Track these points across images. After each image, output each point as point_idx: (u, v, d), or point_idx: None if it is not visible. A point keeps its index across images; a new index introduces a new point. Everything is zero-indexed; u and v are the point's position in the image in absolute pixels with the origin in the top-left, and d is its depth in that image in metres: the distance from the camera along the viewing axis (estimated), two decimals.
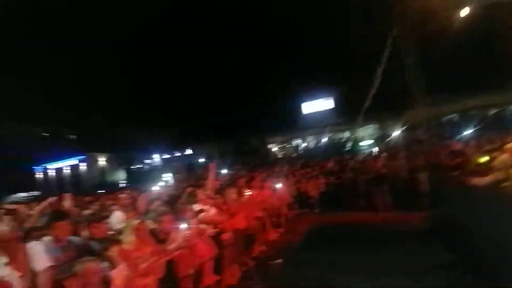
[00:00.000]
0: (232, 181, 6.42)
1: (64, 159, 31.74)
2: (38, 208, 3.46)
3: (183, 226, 3.67)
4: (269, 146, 21.89)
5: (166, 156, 28.54)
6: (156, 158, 27.57)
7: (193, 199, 4.66)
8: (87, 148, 30.87)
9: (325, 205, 9.69)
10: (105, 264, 2.69)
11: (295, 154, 22.30)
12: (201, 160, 22.96)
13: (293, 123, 22.29)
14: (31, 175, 32.58)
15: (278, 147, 24.08)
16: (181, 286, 3.77)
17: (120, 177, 29.46)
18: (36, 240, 2.58)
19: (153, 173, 22.92)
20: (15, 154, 29.19)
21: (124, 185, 24.88)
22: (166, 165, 24.57)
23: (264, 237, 6.59)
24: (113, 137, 30.34)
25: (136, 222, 3.17)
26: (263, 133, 20.90)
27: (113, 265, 2.78)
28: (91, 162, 31.12)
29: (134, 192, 5.24)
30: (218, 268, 4.46)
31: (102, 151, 31.69)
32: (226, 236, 4.77)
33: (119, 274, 2.58)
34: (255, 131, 21.40)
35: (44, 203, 3.56)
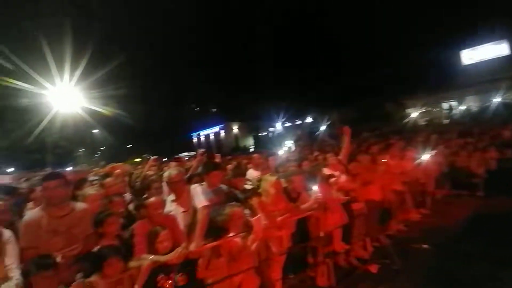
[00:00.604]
0: (364, 148, 5.72)
1: (210, 127, 39.19)
2: (197, 159, 4.17)
3: (314, 188, 3.53)
4: (409, 110, 17.83)
5: (289, 124, 29.69)
6: (280, 125, 29.24)
7: (322, 163, 4.41)
8: (224, 118, 36.86)
9: (495, 187, 7.14)
10: (247, 211, 2.93)
11: (447, 120, 17.35)
12: (325, 127, 22.22)
13: (446, 79, 16.77)
14: (189, 139, 42.58)
15: (423, 111, 19.40)
16: (310, 245, 3.77)
17: (249, 142, 33.43)
18: (195, 184, 3.08)
19: (278, 139, 24.49)
20: (181, 125, 39.03)
21: (252, 149, 27.96)
22: (289, 132, 25.56)
23: (403, 215, 5.77)
24: (244, 108, 34.63)
25: (272, 178, 3.25)
26: (400, 95, 17.19)
27: (253, 214, 3.01)
28: (228, 130, 36.87)
29: (264, 154, 5.58)
30: (347, 237, 4.23)
31: (235, 120, 36.93)
32: (358, 205, 4.44)
33: (258, 222, 2.74)
34: (388, 94, 18.00)
35: (201, 156, 4.26)
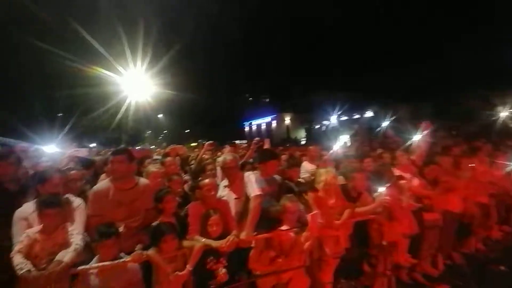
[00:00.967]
0: (445, 150, 4.90)
1: (262, 117, 39.48)
2: (251, 147, 4.10)
3: (380, 189, 3.11)
4: (496, 107, 14.63)
5: (346, 117, 27.97)
6: (335, 119, 27.74)
7: (389, 162, 3.90)
8: (277, 109, 36.64)
9: None
10: (301, 206, 2.72)
11: None
12: (387, 123, 20.17)
13: None
14: (242, 128, 43.73)
15: None
16: (370, 253, 3.39)
17: (301, 135, 32.64)
18: (249, 171, 2.98)
19: (332, 133, 23.30)
20: (235, 113, 40.45)
21: (303, 142, 27.22)
22: (345, 126, 24.10)
23: (484, 231, 4.88)
24: (297, 99, 33.84)
25: (330, 172, 2.96)
26: (485, 89, 14.19)
27: (308, 209, 2.79)
28: (280, 120, 36.60)
29: (320, 147, 5.21)
30: (415, 250, 3.71)
31: (288, 111, 36.40)
32: (431, 215, 3.83)
33: (315, 219, 2.51)
34: (470, 87, 15.02)
35: (255, 145, 4.18)
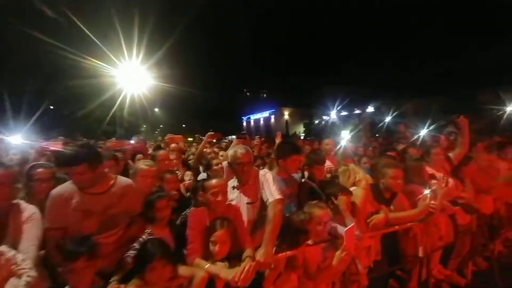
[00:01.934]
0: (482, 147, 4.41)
1: (260, 112, 38.78)
2: (256, 145, 3.49)
3: (424, 190, 2.52)
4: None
5: (346, 113, 27.40)
6: (335, 114, 27.14)
7: (423, 158, 3.31)
8: (276, 103, 35.97)
9: None
10: (331, 213, 2.11)
11: None
12: (390, 118, 19.62)
13: None
14: (240, 123, 43.04)
15: None
16: (403, 264, 2.82)
17: (300, 130, 32.06)
18: (264, 169, 2.36)
19: (332, 128, 22.76)
20: (233, 108, 39.71)
21: (302, 137, 26.66)
22: (346, 122, 23.56)
23: (508, 233, 4.46)
24: (296, 94, 33.21)
25: (360, 170, 2.36)
26: (497, 85, 13.62)
27: (339, 217, 2.19)
28: (278, 115, 35.96)
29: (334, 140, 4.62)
30: (445, 259, 3.30)
31: (287, 105, 35.76)
32: (465, 219, 3.33)
33: (352, 233, 1.91)
34: (480, 83, 14.39)
35: (258, 143, 3.59)
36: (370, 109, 23.76)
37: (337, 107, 26.75)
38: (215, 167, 2.82)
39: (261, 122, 39.54)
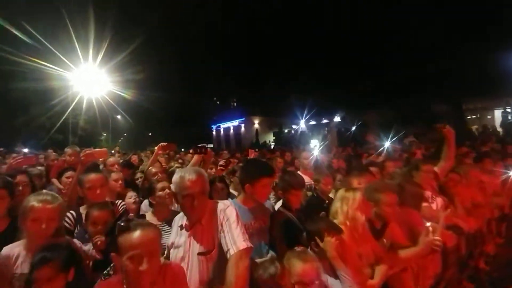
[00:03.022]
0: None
1: (230, 120, 38.11)
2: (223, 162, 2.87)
3: (418, 215, 2.11)
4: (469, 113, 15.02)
5: (314, 122, 27.88)
6: (304, 123, 27.48)
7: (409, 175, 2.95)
8: (246, 112, 35.60)
9: None
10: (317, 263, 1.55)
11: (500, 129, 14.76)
12: (355, 127, 20.19)
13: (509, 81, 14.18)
14: (209, 131, 41.85)
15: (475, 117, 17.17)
16: None
17: (269, 138, 31.95)
18: (224, 200, 1.74)
19: (302, 138, 22.87)
20: (201, 115, 38.57)
21: (272, 146, 26.52)
22: (315, 131, 23.87)
23: (484, 247, 4.37)
24: (266, 102, 33.19)
25: (356, 194, 1.87)
26: (452, 96, 14.62)
27: (324, 262, 1.65)
28: (248, 124, 35.61)
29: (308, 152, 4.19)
30: None
31: (256, 114, 35.57)
32: (451, 240, 3.01)
33: None
34: (436, 93, 15.39)
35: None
36: (337, 118, 24.39)
37: (305, 117, 27.13)
38: (160, 193, 2.13)
39: (231, 131, 38.87)
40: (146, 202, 2.55)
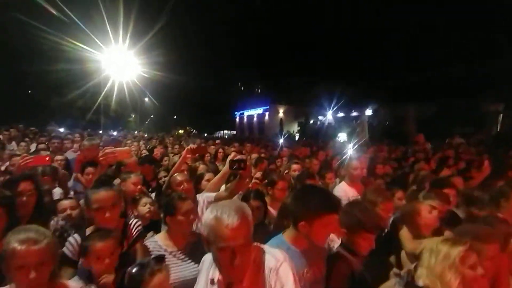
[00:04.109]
0: None
1: (254, 108, 37.46)
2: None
3: None
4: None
5: (343, 114, 26.47)
6: (331, 115, 26.17)
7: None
8: (270, 100, 34.65)
9: None
10: None
11: None
12: (393, 122, 18.68)
13: None
14: (233, 118, 41.61)
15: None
16: None
17: (294, 129, 31.00)
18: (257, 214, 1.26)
19: (328, 130, 21.84)
20: (225, 102, 38.38)
21: (296, 137, 25.70)
22: (344, 124, 22.64)
23: None
24: (292, 91, 31.97)
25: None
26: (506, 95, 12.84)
27: None
28: (273, 113, 34.77)
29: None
30: None
31: (282, 103, 34.53)
32: None
33: None
34: (487, 93, 13.54)
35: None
36: (369, 111, 22.86)
37: (333, 108, 25.80)
38: (181, 218, 1.68)
39: (255, 118, 38.27)
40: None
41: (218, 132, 38.26)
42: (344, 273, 1.41)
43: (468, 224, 1.94)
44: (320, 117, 29.04)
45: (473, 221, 2.08)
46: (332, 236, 2.01)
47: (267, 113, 35.73)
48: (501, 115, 13.31)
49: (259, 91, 40.82)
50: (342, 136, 17.96)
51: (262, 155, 5.16)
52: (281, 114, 34.51)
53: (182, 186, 2.27)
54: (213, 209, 1.11)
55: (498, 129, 13.16)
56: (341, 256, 1.50)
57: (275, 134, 27.28)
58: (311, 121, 29.77)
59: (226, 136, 30.57)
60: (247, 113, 39.95)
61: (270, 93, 35.97)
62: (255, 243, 1.21)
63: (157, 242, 1.76)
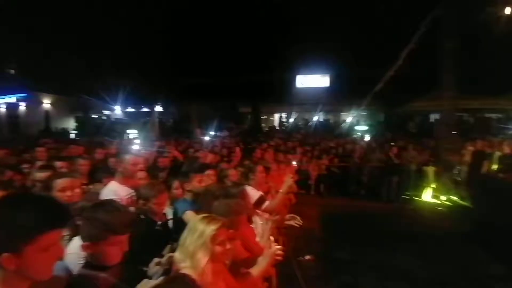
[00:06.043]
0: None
1: (3, 95, 26.07)
2: None
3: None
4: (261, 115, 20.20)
5: (132, 109, 25.18)
6: (119, 110, 24.03)
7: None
8: (29, 86, 25.48)
9: (326, 188, 9.40)
10: None
11: (282, 128, 21.26)
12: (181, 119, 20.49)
13: (284, 95, 20.44)
14: None
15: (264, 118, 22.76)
16: None
17: (69, 125, 25.44)
18: None
19: (116, 126, 20.06)
20: None
21: (74, 135, 21.56)
22: (131, 120, 21.66)
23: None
24: (62, 76, 25.38)
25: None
26: (253, 101, 18.90)
27: None
28: (34, 103, 26.17)
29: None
30: None
31: (46, 91, 26.60)
32: None
33: None
34: (245, 97, 19.16)
35: None
36: (158, 108, 23.53)
37: (121, 102, 23.83)
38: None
39: (2, 109, 26.82)
40: None
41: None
42: None
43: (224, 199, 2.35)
44: (105, 112, 25.81)
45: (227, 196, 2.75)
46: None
47: (23, 103, 26.24)
48: (250, 115, 20.06)
49: (12, 72, 28.67)
50: (132, 133, 17.25)
51: None
52: (47, 105, 26.74)
53: None
54: None
55: (247, 126, 19.58)
56: (82, 281, 1.30)
57: (40, 132, 21.16)
58: (93, 116, 25.78)
59: None
60: None
61: (30, 77, 26.39)
62: None
63: None
